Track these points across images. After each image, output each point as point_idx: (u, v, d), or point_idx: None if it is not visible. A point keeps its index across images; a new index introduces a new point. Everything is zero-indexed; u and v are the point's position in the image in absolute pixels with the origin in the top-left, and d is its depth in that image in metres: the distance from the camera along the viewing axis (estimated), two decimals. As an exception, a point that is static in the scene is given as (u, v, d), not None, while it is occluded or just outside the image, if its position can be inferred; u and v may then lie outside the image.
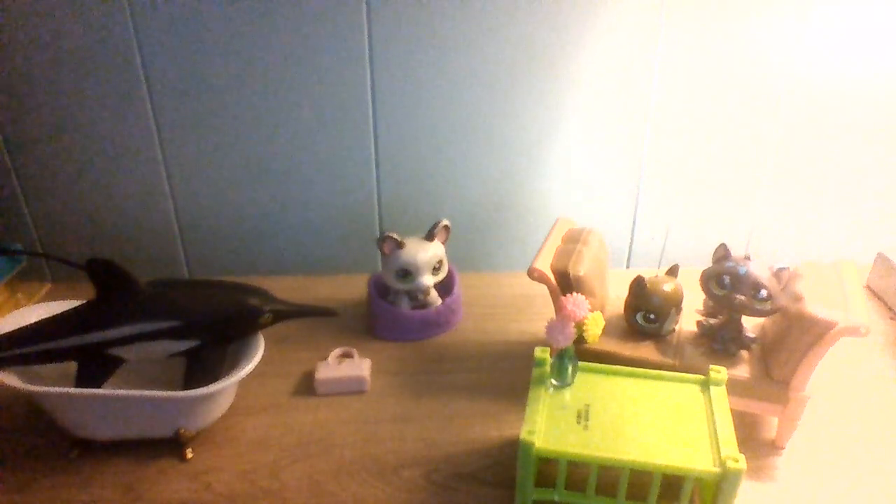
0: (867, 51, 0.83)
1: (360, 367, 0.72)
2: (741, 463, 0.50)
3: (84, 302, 0.62)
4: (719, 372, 0.59)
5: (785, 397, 0.61)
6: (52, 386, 0.59)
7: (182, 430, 0.61)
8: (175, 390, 0.60)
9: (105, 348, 0.61)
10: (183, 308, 0.62)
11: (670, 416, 0.55)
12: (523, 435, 0.52)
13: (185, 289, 0.65)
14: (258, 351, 0.63)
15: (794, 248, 0.96)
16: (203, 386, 0.60)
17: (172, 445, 0.62)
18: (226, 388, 0.61)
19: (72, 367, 0.62)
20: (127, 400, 0.59)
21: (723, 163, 0.90)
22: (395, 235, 0.76)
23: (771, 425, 0.66)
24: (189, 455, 0.62)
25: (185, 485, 0.60)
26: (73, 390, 0.59)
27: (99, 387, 0.62)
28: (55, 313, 0.62)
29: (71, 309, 0.62)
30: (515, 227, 0.94)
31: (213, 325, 0.62)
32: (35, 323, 0.62)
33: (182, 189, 0.89)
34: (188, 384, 0.61)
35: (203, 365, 0.62)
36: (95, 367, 0.62)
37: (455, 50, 0.81)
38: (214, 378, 0.61)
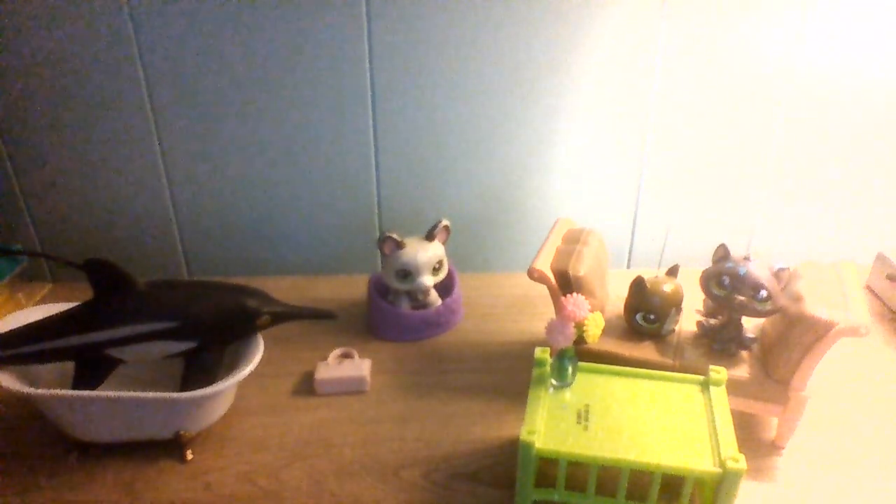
0: (867, 51, 0.83)
1: (360, 367, 0.72)
2: (741, 463, 0.50)
3: (83, 302, 0.62)
4: (719, 372, 0.59)
5: (785, 397, 0.61)
6: (51, 388, 0.59)
7: (182, 432, 0.61)
8: (174, 392, 0.60)
9: (102, 349, 0.61)
10: (181, 309, 0.61)
11: (670, 417, 0.55)
12: (523, 435, 0.52)
13: (183, 290, 0.64)
14: (258, 352, 0.63)
15: (794, 248, 0.96)
16: (201, 387, 0.60)
17: (172, 446, 0.62)
18: (225, 389, 0.61)
19: (71, 368, 0.62)
20: (126, 402, 0.59)
21: (723, 163, 0.90)
22: (395, 236, 0.76)
23: (771, 425, 0.66)
24: (189, 457, 0.62)
25: (185, 485, 0.60)
26: (71, 393, 0.59)
27: (96, 387, 0.62)
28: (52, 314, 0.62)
29: (69, 309, 0.62)
30: (515, 228, 0.94)
31: (211, 327, 0.62)
32: (32, 323, 0.62)
33: (182, 189, 0.89)
34: (186, 386, 0.61)
35: (201, 366, 0.62)
36: (93, 367, 0.62)
37: (455, 50, 0.81)
38: (212, 379, 0.61)
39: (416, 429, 0.66)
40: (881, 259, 0.88)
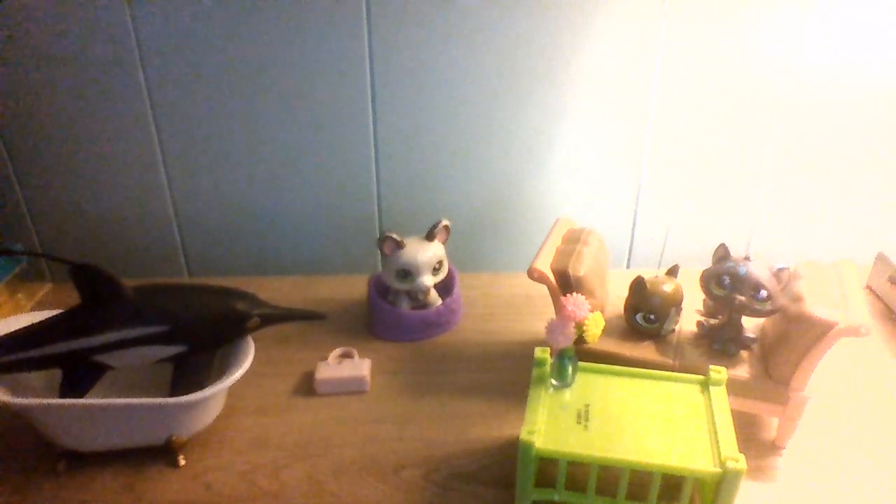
0: (867, 51, 0.83)
1: (360, 367, 0.72)
2: (741, 463, 0.50)
3: (69, 308, 0.61)
4: (719, 372, 0.59)
5: (785, 397, 0.61)
6: (38, 397, 0.59)
7: (174, 437, 0.61)
8: (163, 397, 0.59)
9: (91, 355, 0.60)
10: (169, 313, 0.61)
11: (670, 416, 0.55)
12: (523, 435, 0.52)
13: (171, 293, 0.63)
14: (249, 355, 0.63)
15: (794, 248, 0.96)
16: (190, 392, 0.59)
17: (169, 449, 0.62)
18: (216, 393, 0.60)
19: (56, 377, 0.61)
20: (114, 409, 0.58)
21: (723, 163, 0.90)
22: (395, 235, 0.76)
23: (771, 425, 0.66)
24: (182, 462, 0.62)
25: (185, 485, 0.60)
26: (56, 401, 0.59)
27: (84, 394, 0.61)
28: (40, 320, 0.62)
29: (56, 315, 0.61)
30: (515, 227, 0.94)
31: (200, 331, 0.62)
32: (18, 331, 0.61)
33: (182, 189, 0.89)
34: (175, 390, 0.61)
35: (190, 371, 0.62)
36: (81, 374, 0.61)
37: (455, 50, 0.81)
38: (202, 384, 0.61)
39: (416, 429, 0.66)
40: (881, 259, 0.88)
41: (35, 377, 0.63)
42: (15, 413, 0.66)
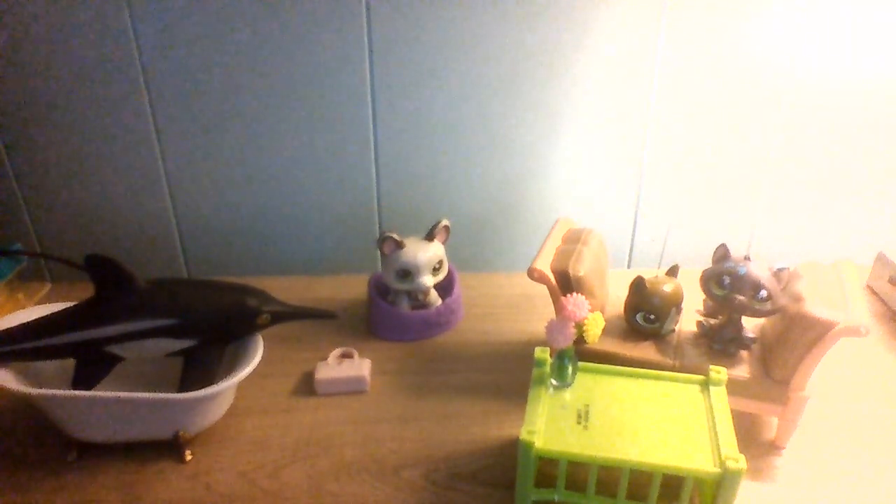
0: (867, 51, 0.83)
1: (360, 367, 0.72)
2: (741, 463, 0.50)
3: (82, 301, 0.62)
4: (719, 372, 0.59)
5: (785, 397, 0.61)
6: (50, 387, 0.59)
7: (181, 433, 0.61)
8: (173, 392, 0.60)
9: (102, 345, 0.61)
10: (181, 306, 0.62)
11: (670, 416, 0.55)
12: (523, 435, 0.52)
13: (183, 288, 0.65)
14: (257, 352, 0.63)
15: (794, 248, 0.96)
16: (199, 387, 0.60)
17: (172, 446, 0.62)
18: (224, 390, 0.61)
19: (70, 367, 0.62)
20: (124, 402, 0.59)
21: (723, 163, 0.90)
22: (395, 236, 0.76)
23: (771, 425, 0.66)
24: (188, 457, 0.62)
25: (185, 485, 0.60)
26: (70, 393, 0.59)
27: (95, 385, 0.62)
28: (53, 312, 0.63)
29: (69, 306, 0.62)
30: (515, 227, 0.94)
31: (211, 325, 0.62)
32: (33, 320, 0.62)
33: (181, 189, 0.89)
34: (184, 385, 0.61)
35: (200, 365, 0.62)
36: (93, 364, 0.62)
37: (455, 50, 0.81)
38: (211, 379, 0.61)
39: (416, 429, 0.66)
40: (881, 259, 0.88)
41: (50, 368, 0.64)
42: (24, 406, 0.67)
